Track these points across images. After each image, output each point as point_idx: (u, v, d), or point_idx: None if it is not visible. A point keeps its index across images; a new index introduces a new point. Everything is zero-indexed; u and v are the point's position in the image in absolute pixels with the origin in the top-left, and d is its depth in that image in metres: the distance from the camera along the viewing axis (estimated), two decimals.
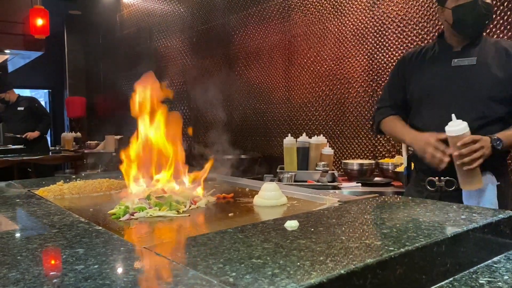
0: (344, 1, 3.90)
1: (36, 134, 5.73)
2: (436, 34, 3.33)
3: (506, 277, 0.92)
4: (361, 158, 3.77)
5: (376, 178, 3.20)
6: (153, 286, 0.69)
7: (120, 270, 0.79)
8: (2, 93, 5.72)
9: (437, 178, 1.81)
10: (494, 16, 2.92)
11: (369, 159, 3.65)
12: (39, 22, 5.76)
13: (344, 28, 3.95)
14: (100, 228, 1.07)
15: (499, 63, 1.77)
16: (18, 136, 5.70)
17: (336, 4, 4.02)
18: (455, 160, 1.62)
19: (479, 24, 1.77)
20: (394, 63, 3.59)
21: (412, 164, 2.05)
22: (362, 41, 3.81)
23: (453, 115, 1.62)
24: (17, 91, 6.04)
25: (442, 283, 0.90)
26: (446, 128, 1.62)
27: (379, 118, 2.05)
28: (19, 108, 5.79)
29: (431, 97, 1.86)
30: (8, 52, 6.05)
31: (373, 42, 3.72)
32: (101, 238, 0.98)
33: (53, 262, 0.86)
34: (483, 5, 1.72)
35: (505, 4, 2.97)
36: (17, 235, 1.07)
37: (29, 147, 5.55)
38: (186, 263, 0.79)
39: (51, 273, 0.77)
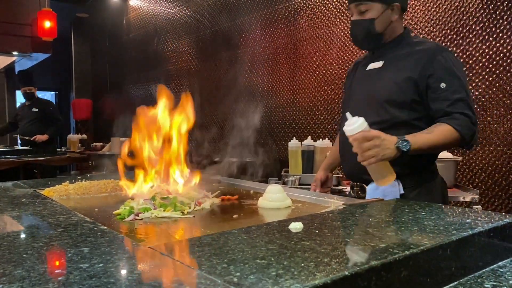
0: None
1: (44, 137, 5.76)
2: (442, 38, 3.33)
3: (511, 282, 0.92)
4: None
5: None
6: (157, 285, 0.69)
7: (124, 269, 0.79)
8: (27, 86, 5.79)
9: (355, 183, 1.87)
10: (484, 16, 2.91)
11: None
12: (47, 24, 5.80)
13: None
14: (105, 227, 1.08)
15: (404, 66, 1.70)
16: (27, 138, 5.74)
17: (342, 8, 4.02)
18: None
19: (366, 38, 1.77)
20: None
21: None
22: None
23: (347, 114, 1.52)
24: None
25: (447, 286, 0.90)
26: (344, 127, 1.52)
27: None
28: (33, 109, 5.86)
29: (349, 101, 1.89)
30: (16, 54, 6.09)
31: None
32: (106, 237, 0.99)
33: (58, 260, 0.86)
34: (357, 23, 1.76)
35: (505, 4, 2.96)
36: (23, 233, 1.07)
37: (37, 149, 5.59)
38: (190, 263, 0.79)
39: (56, 271, 0.78)
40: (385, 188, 1.67)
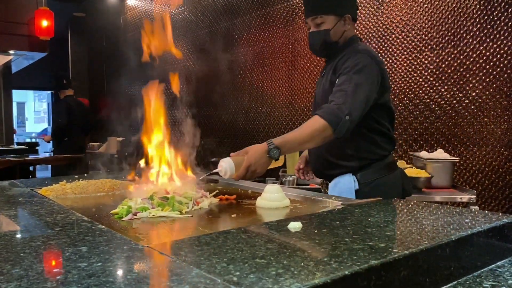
0: None
1: (48, 138, 5.83)
2: (440, 39, 3.34)
3: (510, 282, 0.92)
4: None
5: None
6: (157, 284, 0.69)
7: (123, 268, 0.79)
8: (64, 89, 5.88)
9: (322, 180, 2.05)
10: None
11: None
12: (44, 23, 5.78)
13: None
14: (103, 227, 1.07)
15: (331, 72, 1.82)
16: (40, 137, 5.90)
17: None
18: None
19: (322, 47, 1.87)
20: (397, 68, 3.59)
21: None
22: None
23: (214, 171, 1.64)
24: (22, 92, 6.10)
25: (446, 286, 0.90)
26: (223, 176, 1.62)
27: None
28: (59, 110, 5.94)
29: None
30: (13, 52, 6.07)
31: (376, 46, 3.73)
32: (104, 236, 0.98)
33: (56, 259, 0.85)
34: (314, 35, 1.86)
35: (509, 10, 2.97)
36: (20, 232, 1.07)
37: (56, 148, 5.68)
38: (189, 262, 0.78)
39: (55, 270, 0.77)
40: (341, 185, 1.80)
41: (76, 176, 2.10)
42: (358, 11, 1.94)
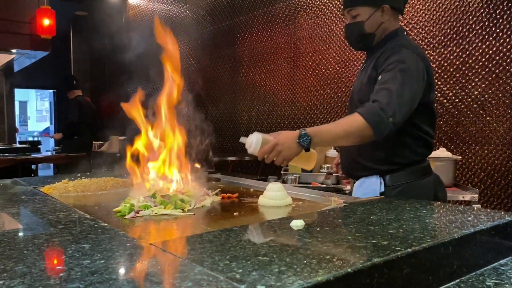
0: None
1: (58, 136, 5.87)
2: (442, 37, 3.33)
3: None
4: None
5: None
6: (159, 282, 0.69)
7: (126, 265, 0.79)
8: (70, 90, 5.91)
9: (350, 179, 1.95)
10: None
11: None
12: (46, 22, 5.78)
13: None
14: (106, 224, 1.07)
15: (371, 67, 1.72)
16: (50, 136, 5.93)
17: (341, 7, 4.02)
18: None
19: (357, 40, 1.80)
20: None
21: None
22: None
23: (241, 138, 1.57)
24: (24, 91, 6.10)
25: (449, 284, 0.90)
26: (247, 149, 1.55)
27: None
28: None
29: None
30: (15, 51, 6.07)
31: None
32: (107, 234, 0.98)
33: (59, 257, 0.86)
34: (348, 27, 1.79)
35: (505, 3, 2.97)
36: (23, 230, 1.07)
37: (64, 146, 5.71)
38: (192, 259, 0.78)
39: (58, 267, 0.77)
40: (365, 186, 1.70)
41: (79, 175, 2.11)
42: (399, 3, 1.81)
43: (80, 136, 5.98)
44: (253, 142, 1.50)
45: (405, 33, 1.80)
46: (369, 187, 1.69)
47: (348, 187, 2.98)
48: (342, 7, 1.84)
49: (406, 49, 1.63)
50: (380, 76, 1.60)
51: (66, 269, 0.74)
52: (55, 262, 0.82)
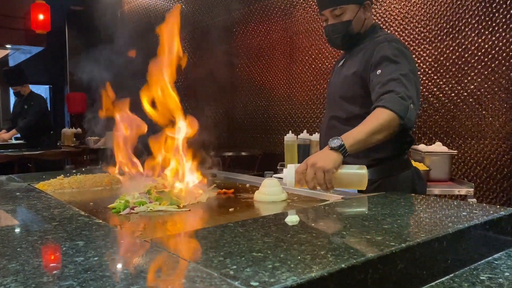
0: None
1: (7, 135, 5.61)
2: (438, 32, 3.33)
3: (507, 274, 0.92)
4: None
5: None
6: (153, 278, 0.69)
7: (120, 262, 0.78)
8: (18, 86, 5.69)
9: None
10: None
11: None
12: (41, 17, 5.75)
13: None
14: (100, 221, 1.07)
15: (353, 62, 1.72)
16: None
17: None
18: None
19: (344, 40, 1.78)
20: None
21: None
22: None
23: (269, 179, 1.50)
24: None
25: (443, 279, 0.90)
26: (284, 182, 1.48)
27: None
28: (24, 106, 5.76)
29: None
30: (9, 47, 6.04)
31: None
32: (101, 231, 0.98)
33: (53, 254, 0.85)
34: (335, 27, 1.76)
35: (508, 3, 2.96)
36: (17, 227, 1.06)
37: (31, 143, 5.52)
38: (186, 256, 0.78)
39: (51, 264, 0.77)
40: None
41: (74, 171, 2.10)
42: None
43: (43, 135, 5.79)
44: (287, 175, 1.43)
45: (380, 28, 1.83)
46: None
47: None
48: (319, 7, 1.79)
49: (394, 42, 1.65)
50: (379, 71, 1.60)
51: (60, 267, 0.74)
52: (49, 259, 0.82)
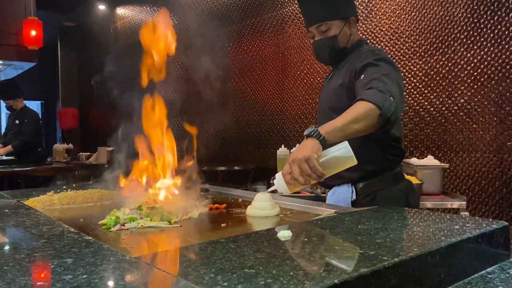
0: None
1: (1, 150, 5.54)
2: (428, 46, 3.38)
3: None
4: None
5: None
6: None
7: (109, 280, 0.77)
8: (11, 100, 5.64)
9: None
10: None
11: None
12: (33, 33, 5.75)
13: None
14: (90, 238, 1.05)
15: (339, 74, 1.77)
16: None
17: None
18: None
19: (331, 55, 1.81)
20: None
21: None
22: None
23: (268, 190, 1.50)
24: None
25: None
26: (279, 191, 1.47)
27: None
28: (16, 121, 5.71)
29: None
30: (1, 62, 6.02)
31: None
32: (91, 248, 0.96)
33: (41, 272, 0.83)
34: (321, 43, 1.80)
35: (495, 18, 3.02)
36: (5, 245, 1.04)
37: (21, 159, 5.47)
38: (177, 273, 0.77)
39: (39, 283, 0.75)
40: (338, 194, 1.73)
41: (64, 187, 2.07)
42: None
43: (33, 151, 5.71)
44: (276, 182, 1.42)
45: (366, 43, 1.87)
46: (341, 196, 1.72)
47: None
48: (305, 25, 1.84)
49: (377, 51, 1.70)
50: (362, 76, 1.62)
51: (48, 285, 0.72)
52: (36, 278, 0.80)
